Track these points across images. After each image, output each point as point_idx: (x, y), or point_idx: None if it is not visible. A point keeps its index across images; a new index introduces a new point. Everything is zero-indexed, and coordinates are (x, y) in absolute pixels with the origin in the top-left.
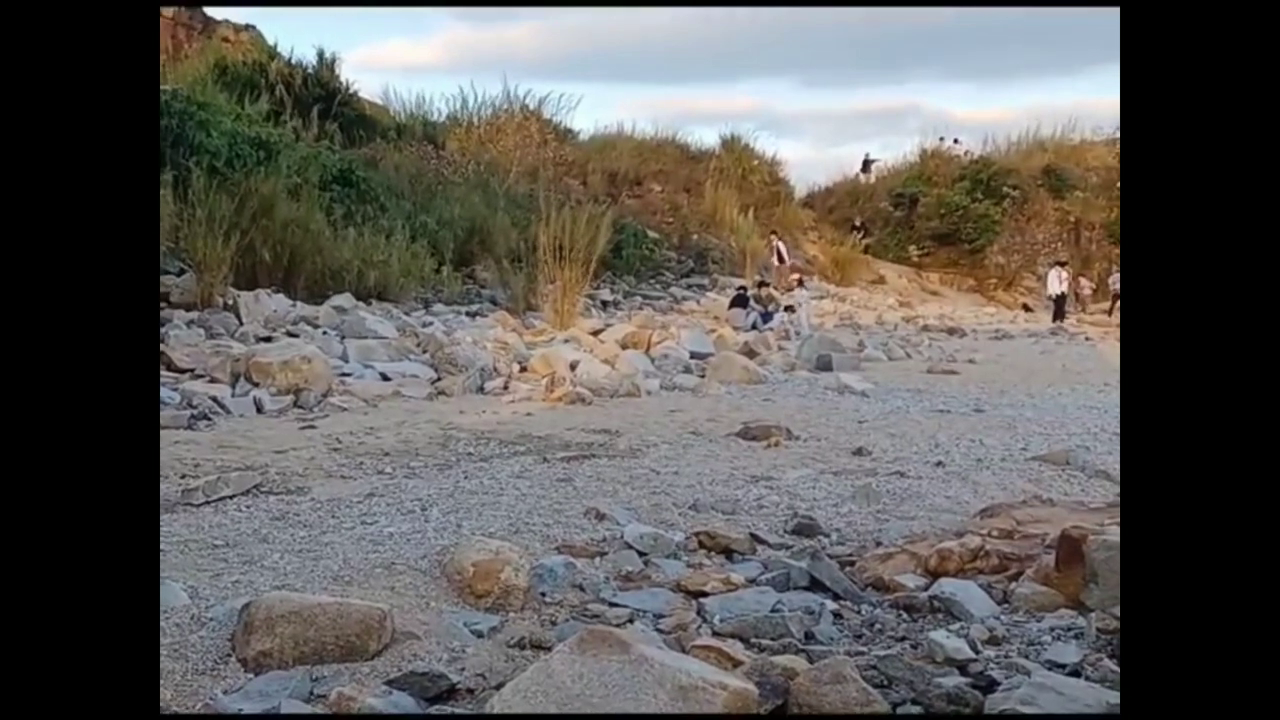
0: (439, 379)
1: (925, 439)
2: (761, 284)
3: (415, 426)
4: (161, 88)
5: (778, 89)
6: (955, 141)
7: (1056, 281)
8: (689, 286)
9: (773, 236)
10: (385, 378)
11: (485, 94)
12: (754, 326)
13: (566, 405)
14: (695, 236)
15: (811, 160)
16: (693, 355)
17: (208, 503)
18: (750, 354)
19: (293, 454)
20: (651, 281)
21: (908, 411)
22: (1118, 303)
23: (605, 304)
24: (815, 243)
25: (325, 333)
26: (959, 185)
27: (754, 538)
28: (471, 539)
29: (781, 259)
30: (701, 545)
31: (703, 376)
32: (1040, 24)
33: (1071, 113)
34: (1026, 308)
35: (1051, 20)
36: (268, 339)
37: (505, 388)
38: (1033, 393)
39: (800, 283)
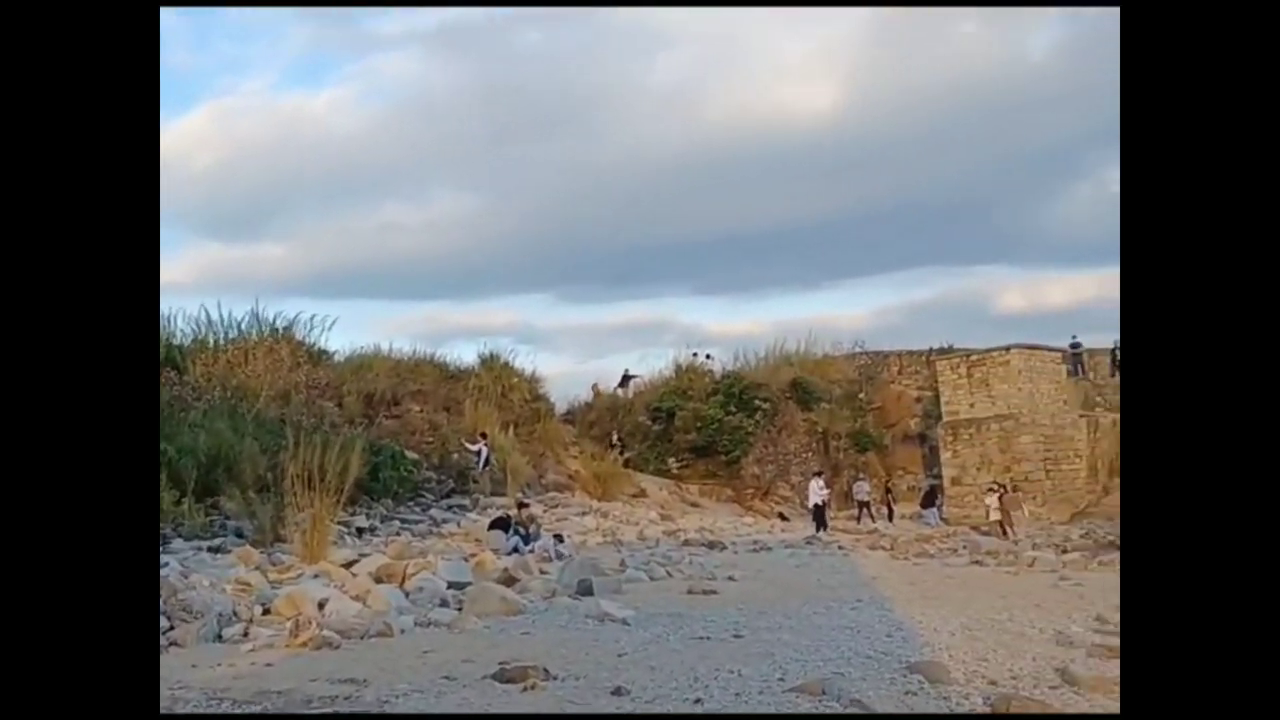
0: (171, 628)
1: (685, 671)
2: (522, 505)
3: None
4: None
5: (535, 304)
6: (708, 356)
7: (816, 491)
8: (449, 507)
9: (481, 439)
10: None
11: (233, 315)
12: (515, 549)
13: (312, 651)
14: (456, 455)
15: (571, 374)
16: (450, 585)
17: None
18: (510, 581)
19: None
20: (410, 504)
21: (668, 640)
22: (864, 509)
23: (361, 531)
24: (577, 457)
25: None
26: (713, 399)
27: None
28: None
29: (487, 463)
30: None
31: (460, 610)
32: (782, 241)
33: (812, 326)
34: (782, 516)
35: (793, 237)
36: None
37: (245, 634)
38: (789, 613)
39: (523, 505)
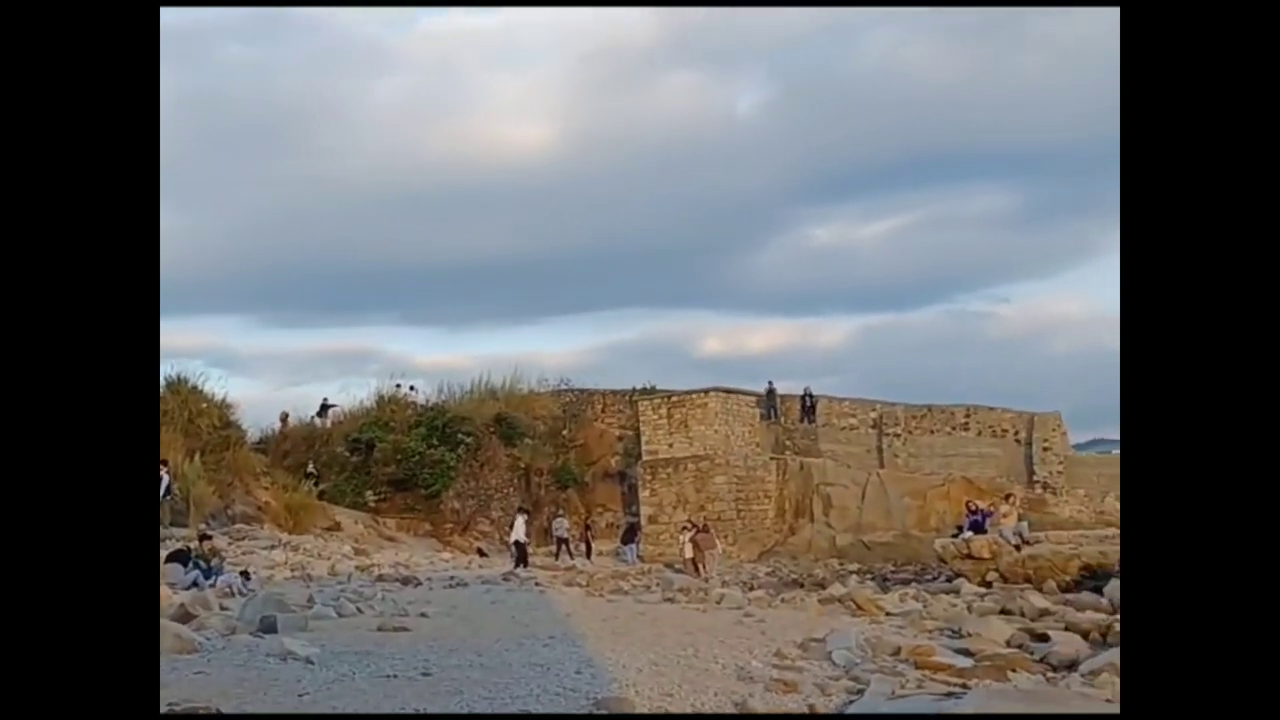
0: None
1: (369, 711)
2: (204, 537)
3: None
4: None
5: (232, 326)
6: (411, 388)
7: (520, 528)
8: None
9: (162, 466)
10: None
11: None
12: (194, 584)
13: None
14: None
15: (268, 401)
16: None
17: None
18: (187, 617)
19: None
20: None
21: (353, 678)
22: (563, 546)
23: None
24: (268, 488)
25: None
26: (415, 431)
27: None
28: None
29: (168, 492)
30: None
31: None
32: (493, 275)
33: (518, 362)
34: (481, 552)
35: (504, 272)
36: None
37: None
38: (481, 650)
39: (205, 537)
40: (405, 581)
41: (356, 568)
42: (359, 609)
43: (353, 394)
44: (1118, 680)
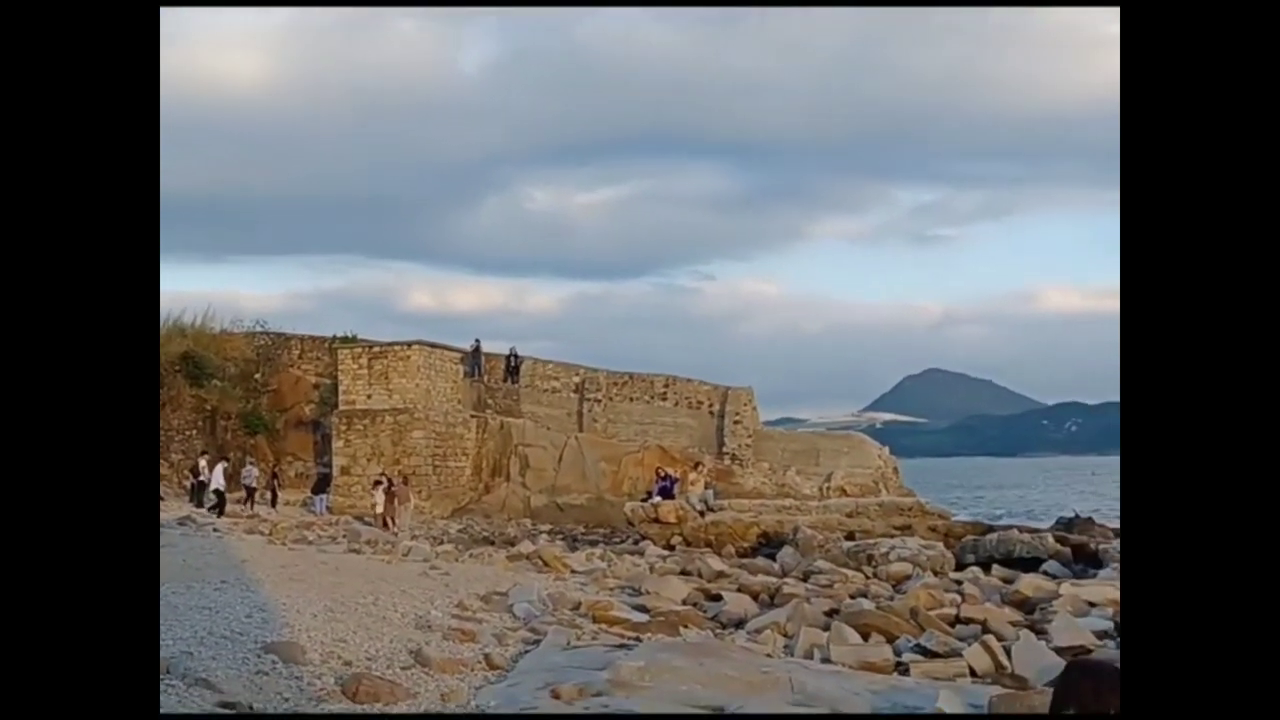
0: None
1: None
2: None
3: None
4: None
5: None
6: None
7: (219, 476)
8: None
9: None
10: None
11: None
12: None
13: None
14: None
15: None
16: None
17: None
18: None
19: None
20: None
21: None
22: (251, 495)
23: None
24: None
25: None
26: None
27: None
28: None
29: None
30: None
31: None
32: (190, 208)
33: (213, 300)
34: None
35: (202, 205)
36: None
37: None
38: None
39: None
40: None
41: None
42: None
43: None
44: (780, 637)
